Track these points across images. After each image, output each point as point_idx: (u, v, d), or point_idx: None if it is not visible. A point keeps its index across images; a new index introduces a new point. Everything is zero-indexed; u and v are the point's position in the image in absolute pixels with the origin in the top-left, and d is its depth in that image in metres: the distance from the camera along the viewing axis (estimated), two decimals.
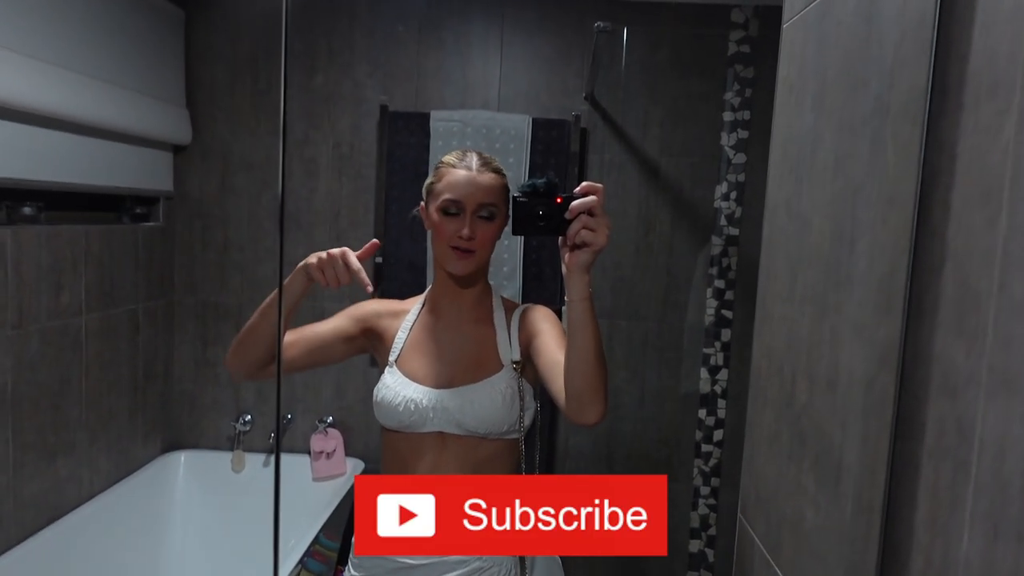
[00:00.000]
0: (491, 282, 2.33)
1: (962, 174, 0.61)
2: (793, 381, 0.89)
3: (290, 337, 1.31)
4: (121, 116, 2.15)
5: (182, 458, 2.57)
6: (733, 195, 2.38)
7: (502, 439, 1.25)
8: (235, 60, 2.45)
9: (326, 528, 2.30)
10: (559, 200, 0.97)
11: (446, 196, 1.22)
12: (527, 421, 1.27)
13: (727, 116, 2.37)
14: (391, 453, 1.31)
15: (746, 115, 2.36)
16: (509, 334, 1.30)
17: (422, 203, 1.31)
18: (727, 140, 2.37)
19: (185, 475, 2.56)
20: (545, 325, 1.27)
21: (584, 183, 0.97)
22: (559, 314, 2.32)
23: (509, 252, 2.34)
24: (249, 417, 2.59)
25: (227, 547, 2.47)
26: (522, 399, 1.24)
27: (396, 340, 1.34)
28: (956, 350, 0.60)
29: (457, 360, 1.28)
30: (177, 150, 2.49)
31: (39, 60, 1.85)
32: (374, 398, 1.29)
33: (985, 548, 0.55)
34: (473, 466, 1.24)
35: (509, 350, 1.29)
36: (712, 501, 2.48)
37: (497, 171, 1.28)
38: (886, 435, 0.67)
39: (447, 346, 1.30)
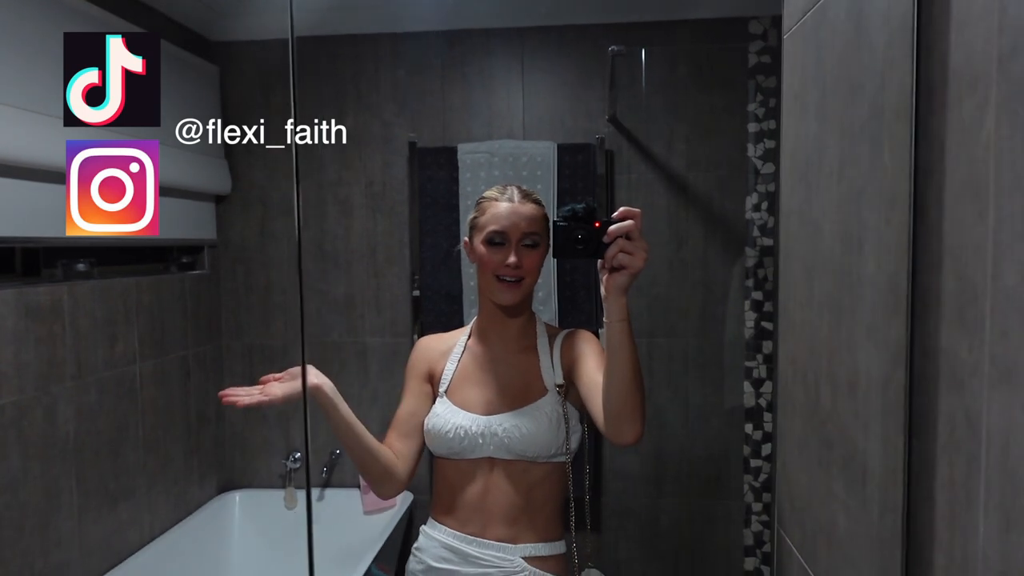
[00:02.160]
0: None
1: (951, 170, 0.62)
2: (817, 387, 0.89)
3: (389, 439, 1.36)
4: (166, 171, 2.25)
5: (237, 498, 2.64)
6: (764, 205, 2.38)
7: (550, 462, 1.28)
8: (269, 110, 2.55)
9: (379, 560, 2.33)
10: (597, 224, 1.00)
11: (491, 228, 1.27)
12: (573, 444, 1.30)
13: (752, 127, 2.37)
14: (442, 480, 1.35)
15: (771, 125, 2.36)
16: (552, 359, 1.34)
17: (465, 239, 1.36)
18: (754, 151, 2.38)
19: (241, 514, 2.63)
20: (586, 348, 1.30)
21: (622, 208, 1.00)
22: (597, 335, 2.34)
23: (544, 277, 2.36)
24: (299, 455, 2.64)
25: (296, 572, 2.52)
26: (567, 422, 1.28)
27: (446, 372, 1.38)
28: (959, 344, 0.61)
29: (504, 387, 1.32)
30: (218, 200, 2.60)
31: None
32: (425, 427, 1.33)
33: (999, 540, 0.55)
34: (523, 490, 1.27)
35: (552, 374, 1.32)
36: (765, 517, 2.43)
37: (537, 202, 1.33)
38: (902, 434, 0.67)
39: (494, 374, 1.34)
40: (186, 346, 2.45)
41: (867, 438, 0.79)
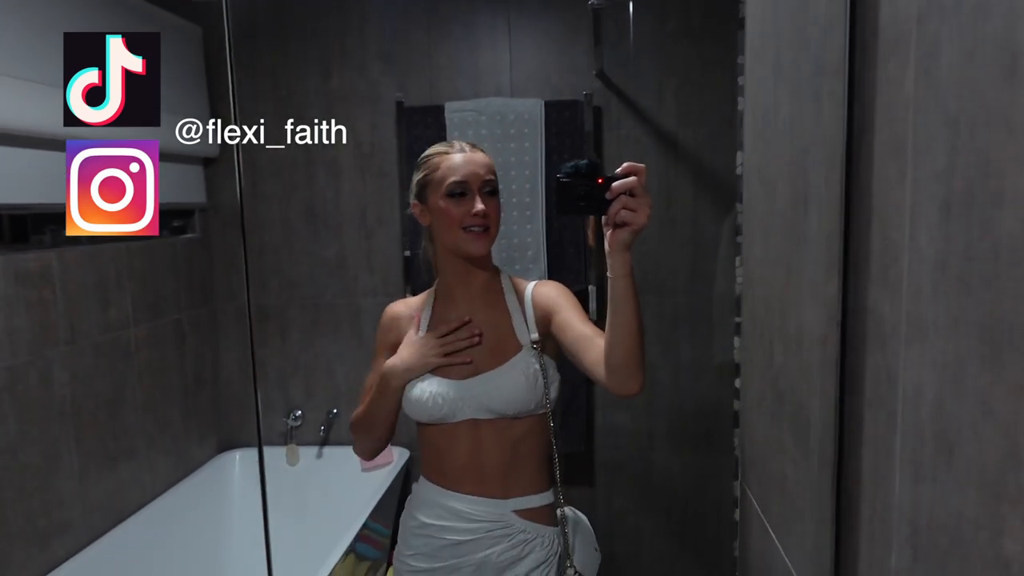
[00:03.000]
0: (516, 266, 2.39)
1: (879, 129, 0.62)
2: (771, 343, 0.91)
3: (359, 411, 1.40)
4: (155, 132, 2.26)
5: (237, 456, 2.70)
6: None
7: (532, 415, 1.30)
8: (254, 70, 2.54)
9: (377, 515, 2.39)
10: (600, 181, 1.00)
11: (452, 179, 1.26)
12: (553, 394, 1.31)
13: (742, 80, 2.34)
14: (427, 443, 1.36)
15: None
16: (524, 314, 1.34)
17: (414, 201, 1.34)
18: (744, 104, 2.35)
19: (241, 472, 2.70)
20: (562, 300, 1.31)
21: (626, 164, 0.99)
22: (581, 295, 2.35)
23: (532, 235, 2.37)
24: (300, 412, 2.70)
25: (287, 537, 2.60)
26: (545, 376, 1.29)
27: (403, 340, 1.38)
28: (883, 303, 0.62)
29: (477, 348, 1.33)
30: (207, 163, 2.61)
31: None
32: (404, 396, 1.34)
33: (911, 491, 0.57)
34: (508, 446, 1.30)
35: (526, 330, 1.32)
36: None
37: (483, 151, 1.34)
38: (835, 390, 0.69)
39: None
40: (180, 309, 2.48)
41: (809, 393, 0.80)
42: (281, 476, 2.67)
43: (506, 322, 1.34)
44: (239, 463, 2.70)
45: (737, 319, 2.43)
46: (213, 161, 2.60)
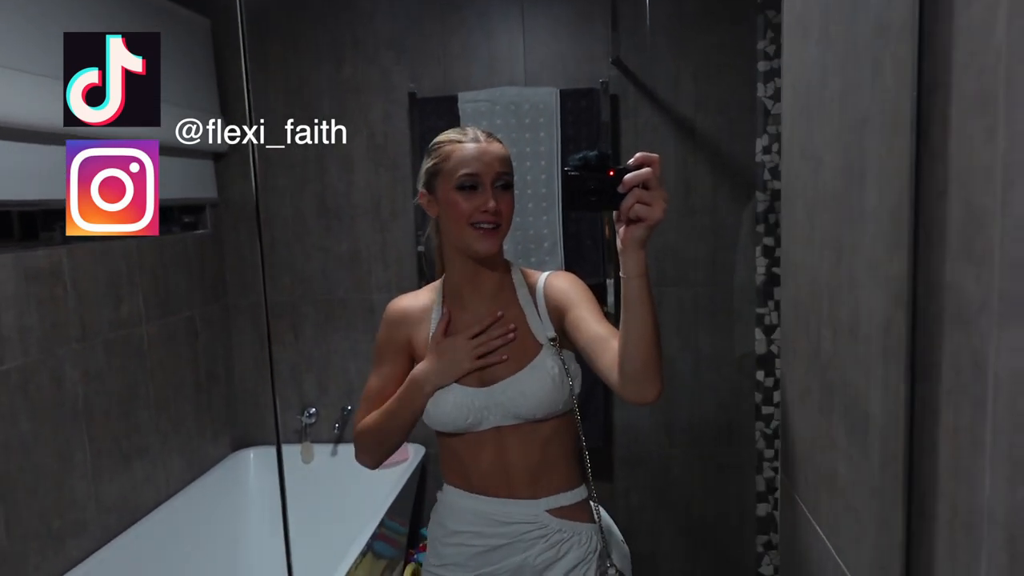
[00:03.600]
0: (532, 259, 2.32)
1: (959, 84, 0.55)
2: (819, 332, 0.84)
3: (373, 419, 1.29)
4: (162, 131, 2.20)
5: (251, 454, 2.65)
6: (775, 147, 2.28)
7: (559, 415, 1.23)
8: (264, 62, 2.47)
9: (394, 513, 2.33)
10: (611, 173, 0.92)
11: (463, 172, 1.16)
12: (577, 390, 1.23)
13: (762, 66, 2.26)
14: (449, 451, 1.27)
15: (780, 63, 2.25)
16: (538, 309, 1.25)
17: (422, 190, 1.24)
18: (763, 91, 2.27)
19: (256, 470, 2.64)
20: (574, 294, 1.21)
21: (639, 154, 0.91)
22: (599, 288, 2.29)
23: (549, 227, 2.30)
24: (314, 410, 2.64)
25: (303, 536, 2.53)
26: (569, 372, 1.21)
27: (428, 347, 1.26)
28: (966, 277, 0.55)
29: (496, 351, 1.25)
30: (217, 157, 2.54)
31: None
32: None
33: (1007, 492, 0.50)
34: (537, 447, 1.22)
35: (542, 327, 1.23)
36: (777, 464, 2.39)
37: (500, 141, 1.24)
38: (904, 378, 0.62)
39: None
40: (192, 306, 2.43)
41: (868, 384, 0.73)
42: (296, 474, 2.61)
43: (522, 321, 1.25)
44: (253, 461, 2.64)
45: (759, 310, 2.36)
46: (223, 156, 2.54)
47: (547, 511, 1.21)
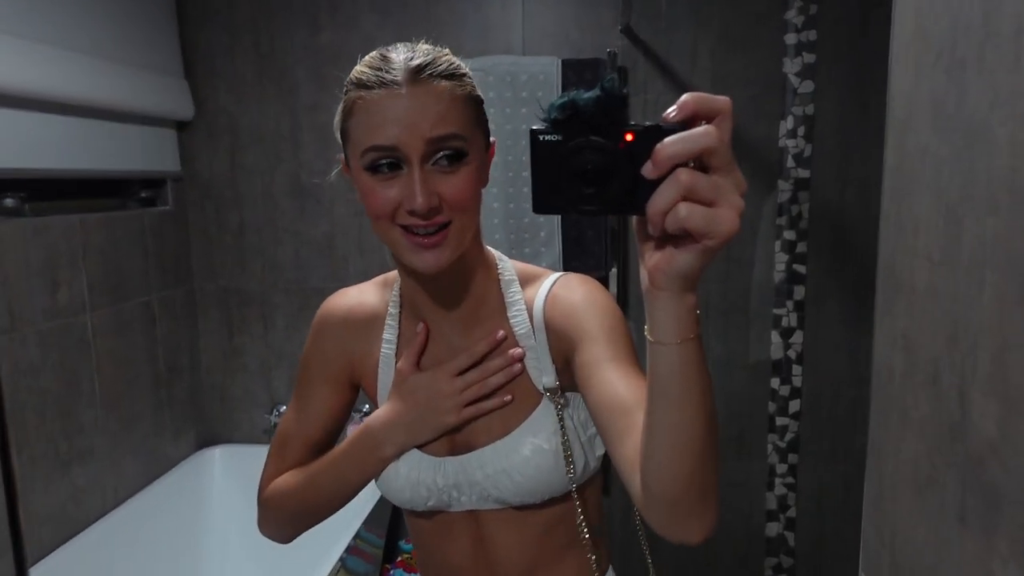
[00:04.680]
0: (526, 250, 1.99)
1: None
2: (963, 399, 0.52)
3: (284, 464, 0.90)
4: (112, 93, 1.86)
5: (217, 453, 2.33)
6: (801, 131, 1.95)
7: (561, 499, 0.81)
8: (232, 22, 2.12)
9: (371, 524, 2.03)
10: (629, 137, 0.46)
11: (369, 144, 0.70)
12: (594, 464, 0.81)
13: (790, 38, 1.93)
14: (416, 536, 0.91)
15: (812, 36, 1.91)
16: (535, 338, 0.79)
17: (340, 156, 0.80)
18: (791, 67, 1.93)
19: (222, 470, 2.32)
20: (590, 321, 0.74)
21: (685, 97, 0.45)
22: (601, 281, 1.95)
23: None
24: (284, 408, 2.31)
25: (270, 548, 2.23)
26: (581, 438, 0.79)
27: (381, 377, 0.86)
28: None
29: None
30: (181, 127, 2.20)
31: (15, 36, 1.56)
32: None
33: None
34: (531, 539, 0.83)
35: (539, 367, 0.79)
36: (790, 480, 2.09)
37: (452, 75, 0.72)
38: None
39: None
40: (149, 290, 2.09)
41: None
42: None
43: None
44: (219, 461, 2.32)
45: (776, 311, 2.05)
46: (188, 125, 2.19)
47: None
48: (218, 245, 2.24)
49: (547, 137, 0.47)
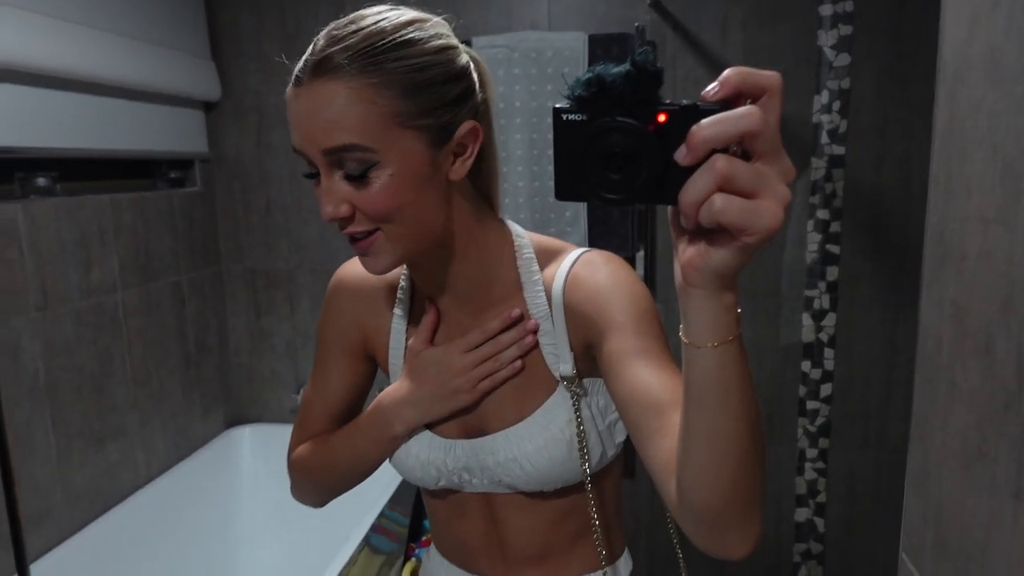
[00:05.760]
0: (551, 229, 1.96)
1: None
2: (1020, 367, 0.49)
3: (315, 454, 0.88)
4: (141, 73, 1.86)
5: (247, 432, 2.35)
6: (836, 106, 1.89)
7: (576, 487, 0.78)
8: (258, 3, 2.11)
9: (395, 503, 2.03)
10: (661, 119, 0.42)
11: (293, 143, 0.66)
12: (612, 451, 0.77)
13: (825, 9, 1.86)
14: (432, 512, 0.89)
15: (848, 6, 1.85)
16: (553, 321, 0.74)
17: None
18: (825, 39, 1.87)
19: (251, 450, 2.34)
20: (617, 308, 0.68)
21: (728, 72, 0.41)
22: (628, 261, 1.91)
23: None
24: None
25: (297, 526, 2.25)
26: (598, 426, 0.76)
27: (392, 352, 0.82)
28: None
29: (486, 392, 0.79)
30: (208, 108, 2.20)
31: (46, 16, 1.57)
32: None
33: None
34: (546, 524, 0.80)
35: (556, 353, 0.74)
36: (820, 465, 2.05)
37: (361, 65, 0.62)
38: None
39: None
40: (179, 271, 2.11)
41: None
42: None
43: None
44: (249, 440, 2.34)
45: (808, 292, 2.00)
46: (215, 106, 2.19)
47: None
48: (245, 226, 2.25)
49: (571, 117, 0.43)
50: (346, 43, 0.62)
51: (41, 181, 1.69)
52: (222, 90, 2.16)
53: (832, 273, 1.96)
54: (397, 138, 0.63)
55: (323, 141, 0.62)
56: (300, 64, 0.64)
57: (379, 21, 0.65)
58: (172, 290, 2.08)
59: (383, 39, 0.63)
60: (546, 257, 0.76)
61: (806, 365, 2.01)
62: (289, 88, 0.65)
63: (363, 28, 0.64)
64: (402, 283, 0.82)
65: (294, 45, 2.11)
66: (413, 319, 0.82)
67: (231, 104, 2.18)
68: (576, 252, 0.75)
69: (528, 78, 1.91)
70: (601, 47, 1.89)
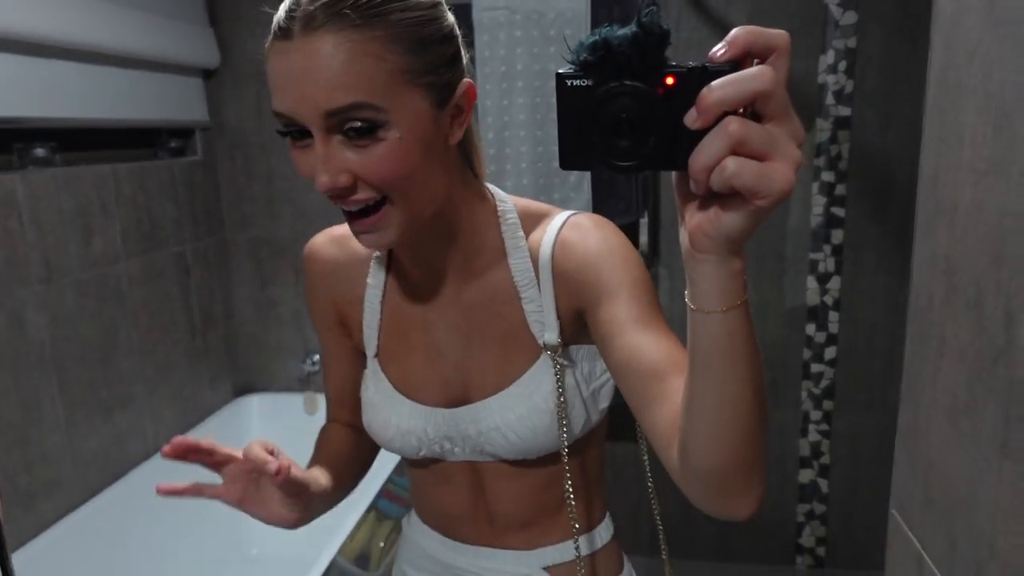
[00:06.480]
0: (555, 195, 1.94)
1: None
2: (1010, 324, 0.48)
3: (336, 413, 0.90)
4: (139, 41, 1.85)
5: (255, 401, 2.37)
6: (842, 66, 1.86)
7: (557, 455, 0.77)
8: None
9: (402, 469, 2.05)
10: (670, 80, 0.41)
11: (273, 108, 0.60)
12: (597, 416, 0.77)
13: None
14: (414, 481, 0.88)
15: None
16: (540, 288, 0.72)
17: None
18: None
19: (260, 418, 2.37)
20: (608, 272, 0.67)
21: (736, 31, 0.39)
22: (630, 229, 1.91)
23: None
24: (317, 357, 2.34)
25: None
26: (582, 392, 0.75)
27: (366, 322, 0.81)
28: None
29: (467, 354, 0.77)
30: (207, 75, 2.18)
31: None
32: (363, 413, 0.82)
33: None
34: (531, 490, 0.80)
35: (543, 321, 0.72)
36: (825, 427, 2.06)
37: (364, 14, 0.57)
38: None
39: (446, 332, 0.78)
40: (182, 240, 2.11)
41: None
42: (299, 425, 2.34)
43: (511, 308, 0.74)
44: (257, 408, 2.37)
45: (813, 255, 1.99)
46: (214, 73, 2.18)
47: (544, 568, 0.81)
48: (247, 194, 2.25)
49: (576, 82, 0.42)
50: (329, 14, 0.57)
51: (40, 151, 1.69)
52: (221, 57, 2.14)
53: (837, 236, 1.94)
54: (406, 97, 0.59)
55: (324, 102, 0.56)
56: (283, 15, 0.58)
57: None
58: (176, 260, 2.09)
59: None
60: (531, 222, 0.74)
61: (810, 328, 2.01)
62: (271, 43, 0.59)
63: None
64: (377, 252, 0.80)
65: None
66: (387, 291, 0.81)
67: (230, 71, 2.16)
68: (563, 215, 0.74)
69: (530, 40, 1.88)
70: (604, 8, 1.86)
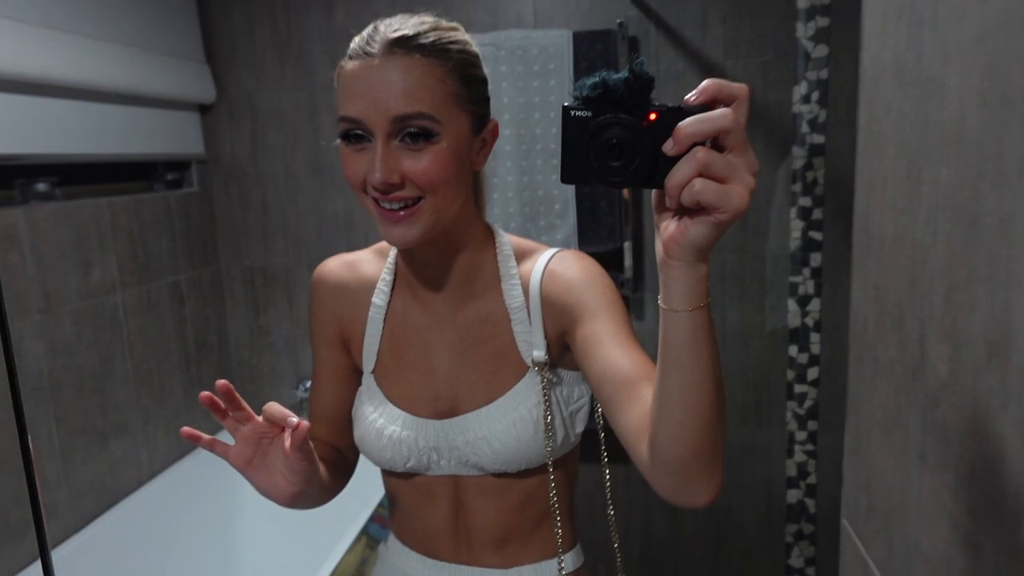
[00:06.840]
0: (541, 222, 2.02)
1: None
2: (923, 342, 0.54)
3: (319, 431, 0.94)
4: (138, 78, 1.92)
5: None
6: (815, 96, 1.94)
7: (538, 470, 0.85)
8: (250, 6, 2.17)
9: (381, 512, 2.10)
10: (653, 116, 0.50)
11: (342, 114, 0.73)
12: (574, 437, 0.85)
13: (802, 2, 1.91)
14: (391, 493, 0.94)
15: None
16: (529, 312, 0.82)
17: None
18: (803, 31, 1.92)
19: None
20: (589, 297, 0.78)
21: (707, 83, 0.49)
22: (614, 255, 1.98)
23: (560, 186, 1.99)
24: (309, 383, 2.39)
25: (296, 517, 2.32)
26: (565, 409, 0.83)
27: (367, 339, 0.89)
28: None
29: (460, 371, 0.85)
30: (203, 110, 2.26)
31: (42, 27, 1.63)
32: (354, 427, 0.89)
33: None
34: (510, 507, 0.86)
35: (530, 342, 0.82)
36: (810, 447, 2.11)
37: (433, 48, 0.72)
38: None
39: (441, 350, 0.86)
40: (177, 270, 2.17)
41: (1015, 425, 0.44)
42: None
43: (502, 329, 0.83)
44: None
45: (793, 279, 2.06)
46: (210, 108, 2.26)
47: None
48: (242, 225, 2.32)
49: (578, 113, 0.52)
50: (417, 29, 0.72)
51: (41, 186, 1.75)
52: (216, 92, 2.22)
53: (816, 259, 2.02)
54: (456, 116, 0.73)
55: (396, 108, 0.70)
56: (363, 42, 0.72)
57: (433, 19, 0.76)
58: (171, 290, 2.14)
59: (446, 32, 0.75)
60: (522, 255, 0.86)
61: (793, 350, 2.07)
62: (350, 63, 0.73)
63: (424, 21, 0.74)
64: (385, 275, 0.89)
65: (286, 46, 2.17)
66: (390, 313, 0.88)
67: (226, 105, 2.24)
68: (551, 251, 0.85)
69: (515, 75, 1.97)
70: (585, 43, 1.95)
